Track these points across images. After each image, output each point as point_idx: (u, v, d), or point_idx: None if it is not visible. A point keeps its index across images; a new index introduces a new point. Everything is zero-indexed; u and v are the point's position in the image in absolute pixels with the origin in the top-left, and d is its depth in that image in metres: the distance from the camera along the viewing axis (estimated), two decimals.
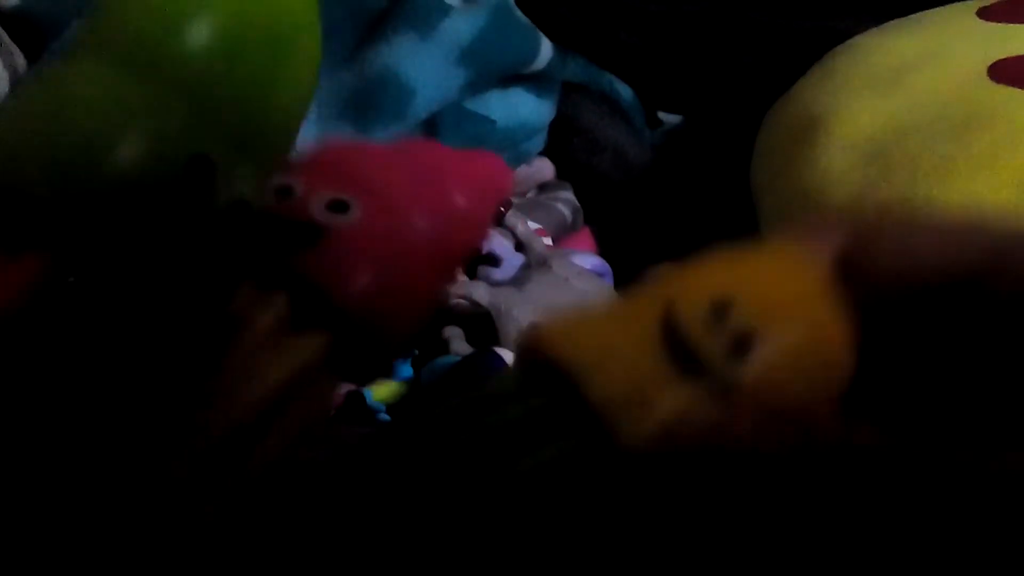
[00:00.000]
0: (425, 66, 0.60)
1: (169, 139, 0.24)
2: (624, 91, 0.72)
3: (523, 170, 0.68)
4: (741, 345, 0.23)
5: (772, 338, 0.24)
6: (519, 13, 0.64)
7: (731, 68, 0.72)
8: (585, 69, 0.71)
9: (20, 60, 0.61)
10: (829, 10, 0.69)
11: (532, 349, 0.25)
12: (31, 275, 0.24)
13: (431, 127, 0.61)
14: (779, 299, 0.25)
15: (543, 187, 0.70)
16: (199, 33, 0.24)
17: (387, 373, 0.51)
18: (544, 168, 0.69)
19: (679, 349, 0.24)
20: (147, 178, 0.24)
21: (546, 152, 0.69)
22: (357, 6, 0.62)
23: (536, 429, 0.24)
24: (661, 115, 0.75)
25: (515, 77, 0.64)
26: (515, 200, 0.66)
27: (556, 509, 0.24)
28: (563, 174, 0.70)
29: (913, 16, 0.63)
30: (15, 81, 0.60)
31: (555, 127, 0.68)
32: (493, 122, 0.63)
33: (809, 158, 0.55)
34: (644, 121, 0.74)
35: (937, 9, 0.63)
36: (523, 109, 0.65)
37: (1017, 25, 0.58)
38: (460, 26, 0.61)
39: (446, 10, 0.61)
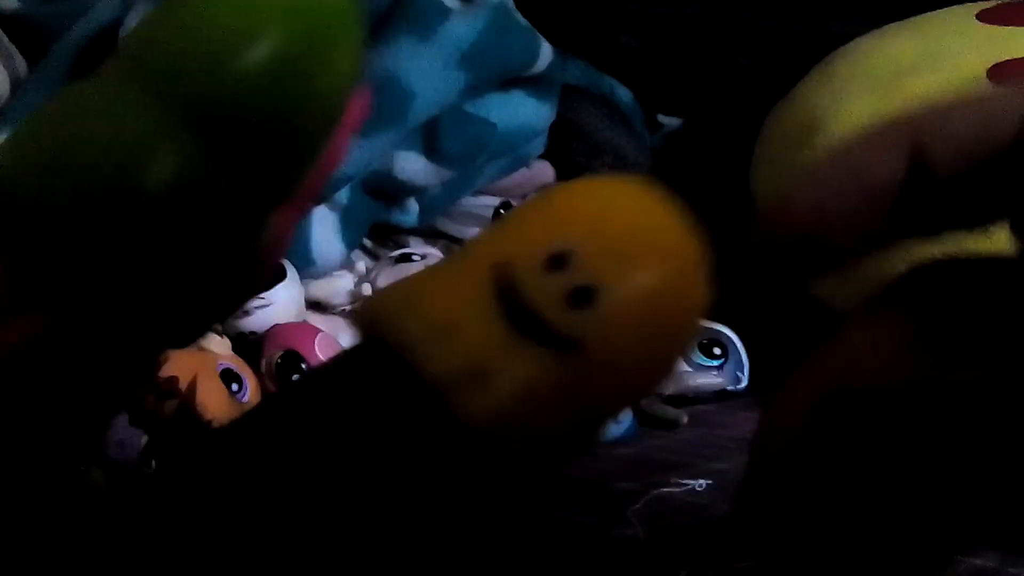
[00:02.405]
0: (424, 69, 0.60)
1: (191, 175, 0.24)
2: (624, 94, 0.72)
3: (523, 173, 0.69)
4: (581, 297, 0.21)
5: (615, 288, 0.21)
6: (519, 16, 0.64)
7: (730, 71, 0.72)
8: (585, 72, 0.71)
9: (20, 63, 0.61)
10: (828, 13, 0.69)
11: (363, 324, 0.23)
12: (31, 330, 0.24)
13: (431, 130, 0.61)
14: (623, 243, 0.22)
15: (543, 190, 0.70)
16: (237, 66, 0.24)
17: None
18: (544, 171, 0.69)
19: (517, 311, 0.22)
20: (169, 211, 0.24)
21: (546, 155, 0.69)
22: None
23: (382, 413, 0.22)
24: (661, 118, 0.75)
25: (515, 80, 0.64)
26: (515, 203, 0.67)
27: (405, 490, 0.22)
28: (563, 177, 0.70)
29: (912, 19, 0.63)
30: (15, 83, 0.60)
31: (555, 130, 0.68)
32: (493, 125, 0.63)
33: (809, 161, 0.55)
34: (644, 124, 0.74)
35: (936, 12, 0.63)
36: (523, 112, 0.65)
37: (1016, 28, 0.58)
38: (460, 29, 0.61)
39: (446, 13, 0.61)
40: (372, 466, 0.22)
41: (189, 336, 0.27)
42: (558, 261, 0.21)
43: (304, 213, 0.28)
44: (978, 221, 0.23)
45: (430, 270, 0.24)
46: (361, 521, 0.23)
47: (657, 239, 0.23)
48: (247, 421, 0.25)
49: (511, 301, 0.22)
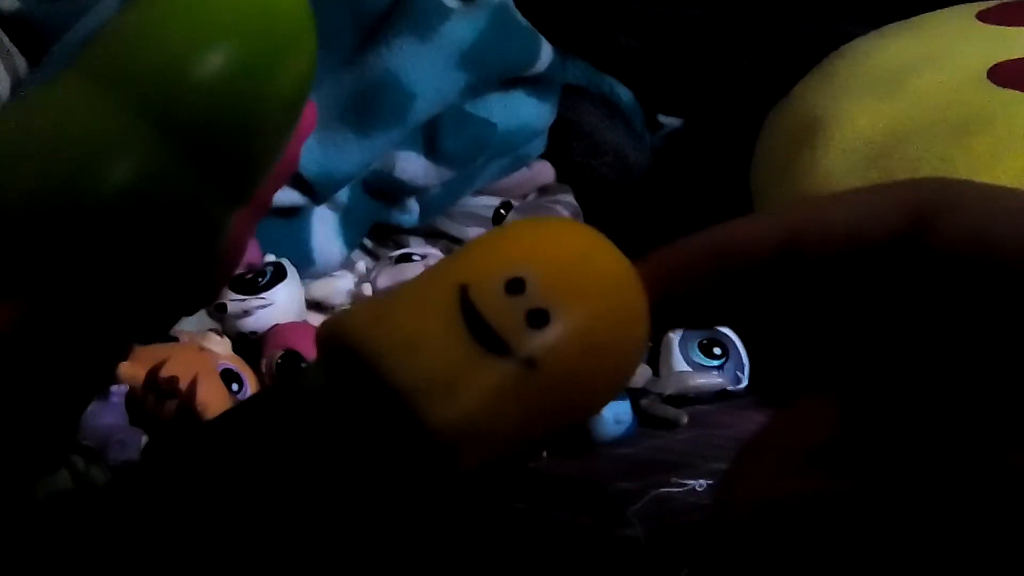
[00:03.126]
0: (425, 69, 0.60)
1: (155, 174, 0.24)
2: (624, 94, 0.72)
3: (523, 173, 0.69)
4: (537, 319, 0.24)
5: (566, 312, 0.24)
6: (519, 16, 0.64)
7: (731, 71, 0.72)
8: (585, 72, 0.71)
9: (20, 63, 0.61)
10: (829, 13, 0.69)
11: (332, 338, 0.25)
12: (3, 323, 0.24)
13: (431, 130, 0.61)
14: (573, 275, 0.25)
15: (543, 190, 0.70)
16: (198, 70, 0.24)
17: None
18: (544, 171, 0.69)
19: (480, 328, 0.24)
20: (130, 212, 0.24)
21: (546, 155, 0.69)
22: (357, 9, 0.62)
23: (354, 421, 0.24)
24: (661, 118, 0.75)
25: (515, 80, 0.64)
26: (515, 203, 0.67)
27: (372, 497, 0.24)
28: (563, 177, 0.70)
29: (913, 19, 0.63)
30: (15, 83, 0.60)
31: (555, 130, 0.68)
32: (493, 125, 0.63)
33: (809, 161, 0.55)
34: (644, 124, 0.74)
35: (937, 12, 0.63)
36: (523, 112, 0.65)
37: (1017, 28, 0.58)
38: (460, 29, 0.61)
39: (446, 13, 0.61)
40: (342, 471, 0.24)
41: (156, 329, 0.27)
42: (516, 286, 0.24)
43: (260, 216, 0.29)
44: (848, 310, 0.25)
45: (399, 288, 0.26)
46: (332, 524, 0.24)
47: (600, 272, 0.25)
48: (219, 428, 0.26)
49: (474, 319, 0.24)
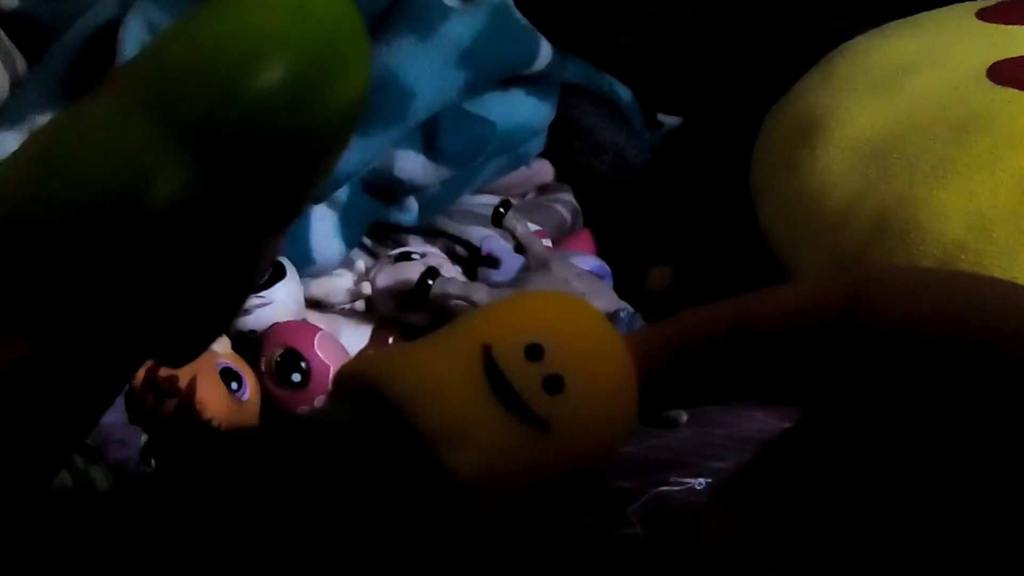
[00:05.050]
0: (424, 68, 0.60)
1: (190, 197, 0.23)
2: (624, 93, 0.72)
3: (523, 172, 0.69)
4: (553, 385, 0.26)
5: (578, 382, 0.26)
6: (518, 15, 0.64)
7: (730, 70, 0.72)
8: (585, 71, 0.71)
9: (20, 62, 0.61)
10: (828, 12, 0.69)
11: (358, 379, 0.27)
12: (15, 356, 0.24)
13: (431, 129, 0.61)
14: (583, 348, 0.27)
15: (543, 189, 0.70)
16: (245, 90, 0.23)
17: None
18: (544, 170, 0.69)
19: (501, 387, 0.26)
20: (164, 229, 0.23)
21: (546, 154, 0.69)
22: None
23: (377, 458, 0.26)
24: (660, 117, 0.75)
25: (515, 79, 0.64)
26: (515, 201, 0.67)
27: (396, 533, 0.25)
28: (562, 176, 0.70)
29: (912, 17, 0.63)
30: (15, 82, 0.60)
31: (555, 129, 0.68)
32: (493, 124, 0.63)
33: (808, 159, 0.55)
34: (643, 123, 0.74)
35: (936, 10, 0.63)
36: (523, 111, 0.65)
37: (1016, 26, 0.58)
38: (459, 28, 0.61)
39: (445, 12, 0.61)
40: (364, 508, 0.25)
41: (186, 355, 0.27)
42: (535, 352, 0.26)
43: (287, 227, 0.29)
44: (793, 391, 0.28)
45: (427, 339, 0.28)
46: (347, 551, 0.25)
47: (605, 347, 0.28)
48: (243, 456, 0.26)
49: (496, 378, 0.26)
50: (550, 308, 0.29)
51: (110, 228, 0.23)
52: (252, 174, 0.24)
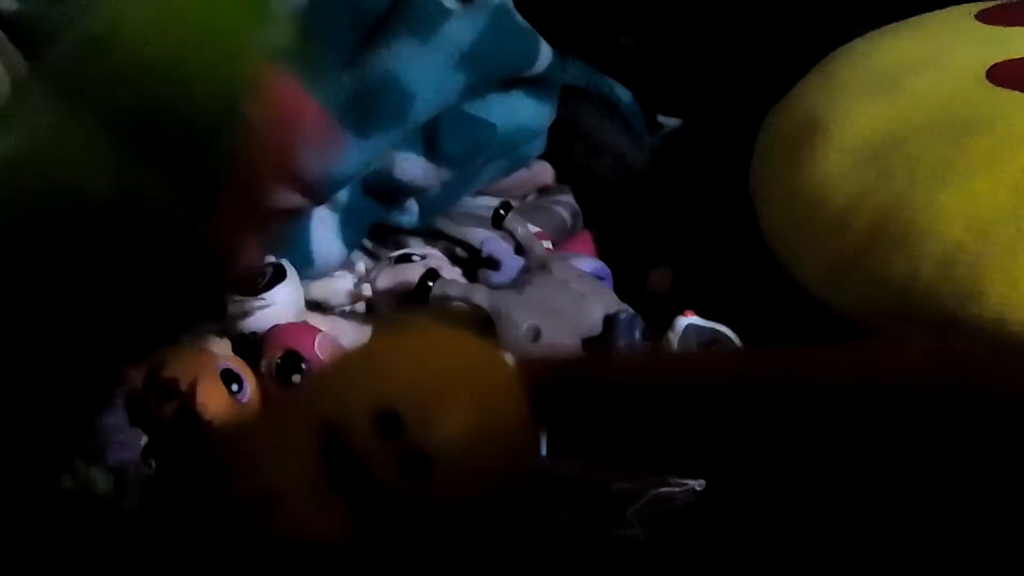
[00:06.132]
0: (425, 70, 0.60)
1: (103, 175, 0.24)
2: (624, 95, 0.72)
3: (523, 173, 0.69)
4: (416, 466, 0.23)
5: (447, 452, 0.23)
6: (519, 17, 0.64)
7: (730, 71, 0.72)
8: (585, 73, 0.71)
9: (20, 63, 0.61)
10: (828, 13, 0.69)
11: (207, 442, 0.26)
12: None
13: (431, 131, 0.61)
14: (443, 395, 0.23)
15: (543, 191, 0.70)
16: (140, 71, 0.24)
17: None
18: (544, 172, 0.70)
19: (342, 461, 0.23)
20: (102, 225, 0.23)
21: (546, 156, 0.69)
22: (357, 11, 0.62)
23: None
24: (660, 118, 0.75)
25: (515, 81, 0.64)
26: (515, 203, 0.67)
27: None
28: (563, 177, 0.70)
29: (912, 19, 0.63)
30: (15, 83, 0.60)
31: (555, 131, 0.68)
32: (493, 126, 0.63)
33: (808, 161, 0.55)
34: (643, 124, 0.74)
35: (936, 12, 0.63)
36: (523, 113, 0.65)
37: (1016, 28, 0.58)
38: (460, 30, 0.61)
39: (446, 14, 0.61)
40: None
41: (161, 337, 0.27)
42: (387, 422, 0.22)
43: (257, 222, 0.28)
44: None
45: (263, 424, 0.26)
46: None
47: (474, 379, 0.24)
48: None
49: (333, 451, 0.23)
50: (402, 357, 0.24)
51: (53, 228, 0.23)
52: (155, 143, 0.24)
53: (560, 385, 0.27)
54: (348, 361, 0.25)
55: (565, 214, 0.67)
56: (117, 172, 0.24)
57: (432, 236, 0.64)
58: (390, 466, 0.22)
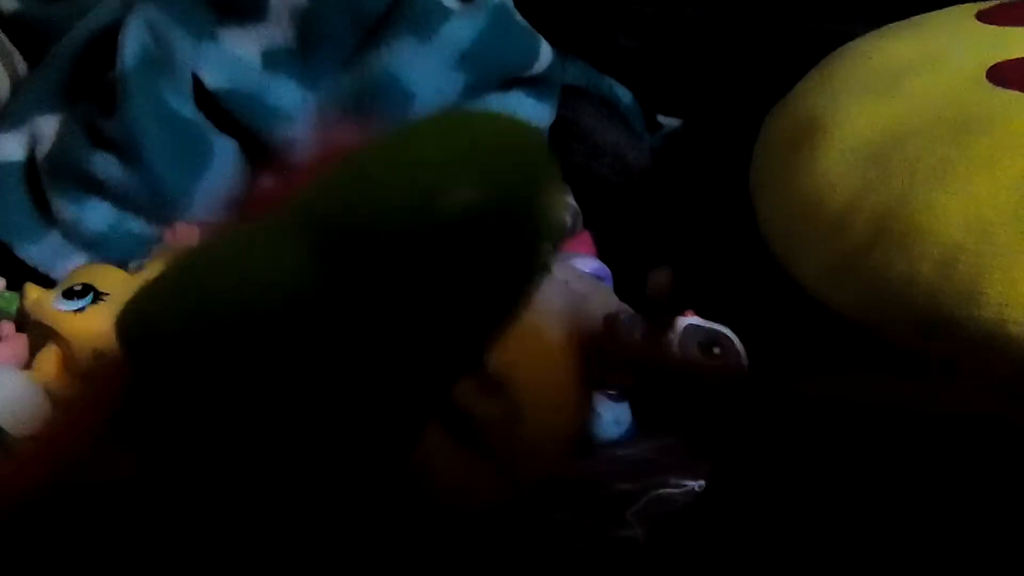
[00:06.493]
0: (424, 70, 0.60)
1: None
2: (623, 95, 0.72)
3: None
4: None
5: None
6: (518, 17, 0.64)
7: (730, 71, 0.72)
8: (584, 73, 0.71)
9: (20, 63, 0.61)
10: (828, 13, 0.69)
11: None
12: None
13: None
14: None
15: None
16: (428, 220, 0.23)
17: None
18: None
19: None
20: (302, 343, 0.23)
21: None
22: (357, 10, 0.62)
23: None
24: (660, 119, 0.75)
25: (514, 80, 0.64)
26: None
27: None
28: (563, 178, 0.70)
29: (912, 19, 0.63)
30: (15, 83, 0.60)
31: (554, 130, 0.68)
32: None
33: (808, 161, 0.55)
34: (643, 125, 0.74)
35: (936, 12, 0.63)
36: (522, 112, 0.65)
37: (1016, 28, 0.58)
38: (459, 30, 0.61)
39: (445, 14, 0.61)
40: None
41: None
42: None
43: None
44: None
45: None
46: None
47: (530, 335, 0.25)
48: None
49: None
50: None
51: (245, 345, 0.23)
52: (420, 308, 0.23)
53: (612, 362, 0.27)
54: None
55: (565, 214, 0.67)
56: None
57: None
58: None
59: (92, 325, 0.47)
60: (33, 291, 0.50)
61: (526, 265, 0.24)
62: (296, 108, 0.61)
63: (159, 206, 0.58)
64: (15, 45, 0.61)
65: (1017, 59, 0.55)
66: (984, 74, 0.55)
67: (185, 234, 0.54)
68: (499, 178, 0.23)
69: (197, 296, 0.23)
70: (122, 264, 0.54)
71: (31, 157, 0.60)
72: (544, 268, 0.25)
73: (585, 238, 0.67)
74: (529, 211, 0.24)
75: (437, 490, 0.24)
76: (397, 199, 0.22)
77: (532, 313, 0.26)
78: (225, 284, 0.23)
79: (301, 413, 0.23)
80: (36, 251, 0.58)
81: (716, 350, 0.55)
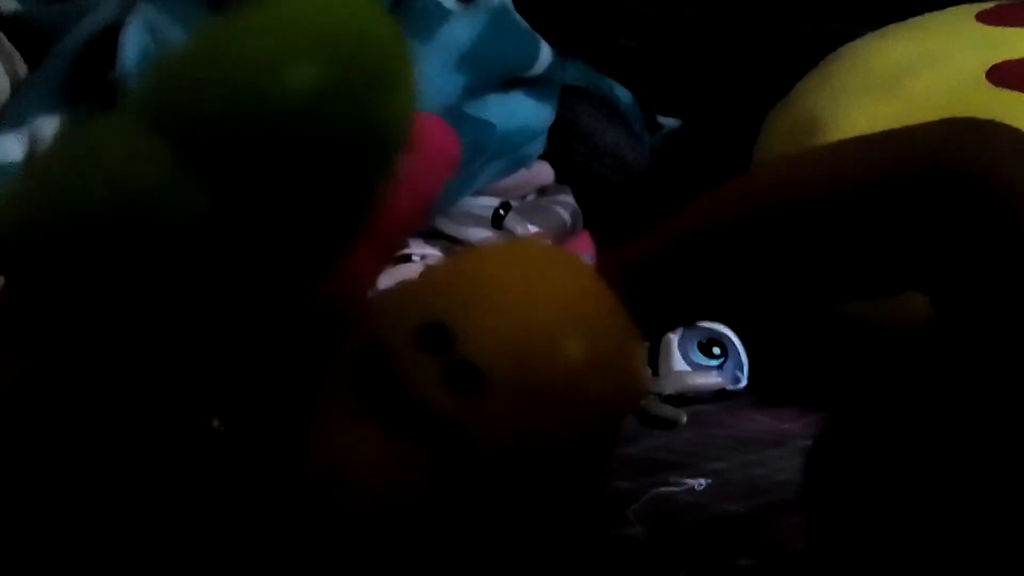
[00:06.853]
0: (424, 71, 0.60)
1: (193, 211, 0.23)
2: (623, 95, 0.72)
3: (523, 174, 0.69)
4: (465, 380, 0.18)
5: (499, 366, 0.18)
6: (518, 17, 0.64)
7: (730, 72, 0.72)
8: (584, 73, 0.71)
9: (20, 63, 0.61)
10: (828, 13, 0.69)
11: None
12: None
13: None
14: (500, 307, 0.19)
15: (543, 191, 0.70)
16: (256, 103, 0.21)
17: None
18: (543, 172, 0.69)
19: (390, 391, 0.19)
20: (163, 249, 0.23)
21: (546, 156, 0.69)
22: None
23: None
24: (660, 119, 0.75)
25: (515, 81, 0.64)
26: (515, 203, 0.67)
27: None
28: (562, 178, 0.70)
29: (912, 20, 0.63)
30: (15, 83, 0.60)
31: (554, 131, 0.68)
32: (493, 126, 0.63)
33: None
34: (643, 125, 0.74)
35: (936, 13, 0.63)
36: (523, 113, 0.65)
37: (1016, 28, 0.58)
38: (459, 31, 0.61)
39: (445, 15, 0.61)
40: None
41: (262, 390, 0.26)
42: (435, 337, 0.18)
43: (388, 256, 0.27)
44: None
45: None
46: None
47: (545, 285, 0.20)
48: None
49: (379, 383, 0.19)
50: (469, 270, 0.20)
51: (110, 243, 0.22)
52: (266, 195, 0.23)
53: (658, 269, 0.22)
54: (394, 290, 0.21)
55: (565, 214, 0.67)
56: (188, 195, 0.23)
57: (432, 236, 0.64)
58: (436, 383, 0.18)
59: None
60: None
61: (379, 155, 0.23)
62: None
63: None
64: (15, 45, 0.61)
65: (1017, 59, 0.55)
66: (984, 74, 0.55)
67: None
68: (346, 53, 0.22)
69: (56, 197, 0.22)
70: None
71: (31, 157, 0.60)
72: (395, 167, 0.23)
73: (585, 238, 0.67)
74: (378, 92, 0.22)
75: (356, 485, 0.21)
76: (243, 77, 0.22)
77: (551, 254, 0.22)
78: (89, 189, 0.22)
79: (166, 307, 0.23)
80: None
81: (716, 350, 0.55)
